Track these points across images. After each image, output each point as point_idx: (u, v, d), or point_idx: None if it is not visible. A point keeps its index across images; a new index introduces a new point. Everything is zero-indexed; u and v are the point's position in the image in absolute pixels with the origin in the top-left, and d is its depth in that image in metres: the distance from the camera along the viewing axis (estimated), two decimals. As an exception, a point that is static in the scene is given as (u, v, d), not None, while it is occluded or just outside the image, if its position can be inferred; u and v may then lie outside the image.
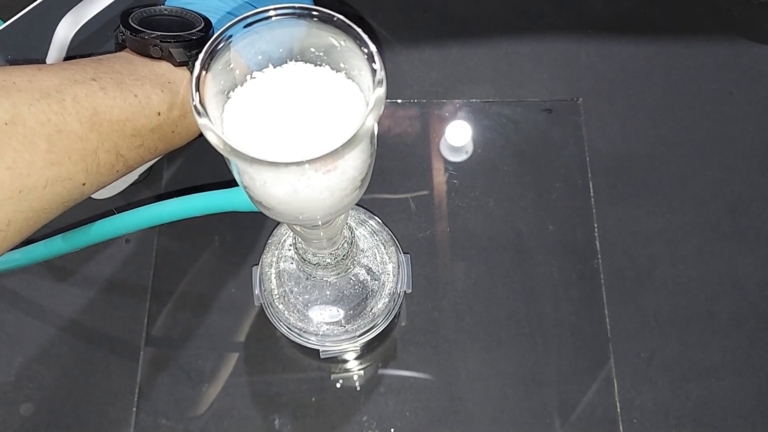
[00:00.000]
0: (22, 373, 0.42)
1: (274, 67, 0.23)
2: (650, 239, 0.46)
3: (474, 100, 0.50)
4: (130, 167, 0.31)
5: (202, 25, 0.34)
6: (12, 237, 0.27)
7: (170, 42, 0.32)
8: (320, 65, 0.23)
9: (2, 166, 0.25)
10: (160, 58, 0.33)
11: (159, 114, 0.31)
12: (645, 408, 0.42)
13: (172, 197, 0.37)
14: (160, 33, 0.32)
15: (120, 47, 0.34)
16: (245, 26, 0.22)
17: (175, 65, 0.33)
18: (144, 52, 0.33)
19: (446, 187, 0.48)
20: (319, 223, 0.26)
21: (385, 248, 0.39)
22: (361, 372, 0.43)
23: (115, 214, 0.37)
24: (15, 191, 0.26)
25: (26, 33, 0.34)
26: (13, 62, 0.34)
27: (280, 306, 0.37)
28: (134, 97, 0.30)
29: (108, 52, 0.34)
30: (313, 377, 0.43)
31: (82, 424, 0.41)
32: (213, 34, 0.30)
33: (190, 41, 0.33)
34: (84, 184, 0.29)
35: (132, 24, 0.33)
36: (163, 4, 0.36)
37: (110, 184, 0.31)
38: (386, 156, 0.48)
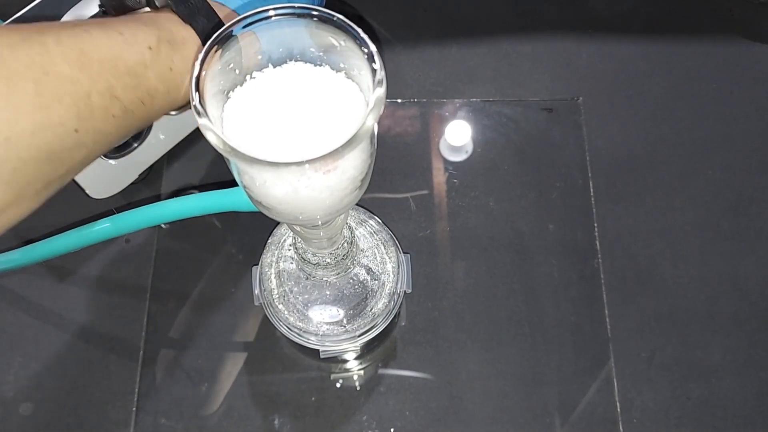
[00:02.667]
0: (22, 373, 0.42)
1: (274, 67, 0.23)
2: (650, 239, 0.46)
3: (474, 99, 0.50)
4: (128, 112, 0.30)
5: None
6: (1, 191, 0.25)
7: None
8: (320, 65, 0.23)
9: None
10: (140, 8, 0.32)
11: (150, 48, 0.30)
12: (645, 408, 0.42)
13: (172, 197, 0.37)
14: None
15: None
16: (245, 26, 0.22)
17: (155, 10, 0.32)
18: (124, 8, 0.32)
19: (446, 187, 0.48)
20: (319, 223, 0.26)
21: (384, 248, 0.39)
22: (361, 372, 0.43)
23: (115, 213, 0.37)
24: (2, 139, 0.24)
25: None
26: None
27: (280, 306, 0.37)
28: (119, 35, 0.29)
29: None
30: (313, 377, 0.43)
31: (82, 424, 0.41)
32: None
33: None
34: (77, 131, 0.27)
35: None
36: None
37: (108, 132, 0.29)
38: (386, 156, 0.48)
